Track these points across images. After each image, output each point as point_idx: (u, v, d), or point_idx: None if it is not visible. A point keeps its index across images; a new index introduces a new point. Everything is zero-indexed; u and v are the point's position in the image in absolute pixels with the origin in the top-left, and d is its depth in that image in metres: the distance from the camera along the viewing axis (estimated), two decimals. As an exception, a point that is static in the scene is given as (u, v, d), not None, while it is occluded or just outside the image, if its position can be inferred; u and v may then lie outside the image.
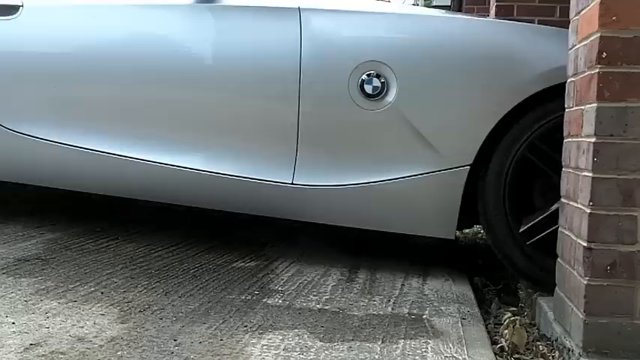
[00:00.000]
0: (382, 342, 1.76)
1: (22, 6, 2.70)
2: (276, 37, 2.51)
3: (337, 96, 2.44)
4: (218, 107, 2.57)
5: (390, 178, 2.42)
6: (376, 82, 2.40)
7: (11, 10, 2.70)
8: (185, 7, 2.64)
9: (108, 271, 2.24)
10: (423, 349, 1.73)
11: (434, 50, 2.44)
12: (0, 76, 2.71)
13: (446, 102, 2.40)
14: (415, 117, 2.40)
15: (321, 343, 1.73)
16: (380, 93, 2.40)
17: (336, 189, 2.46)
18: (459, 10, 5.21)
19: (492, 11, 4.06)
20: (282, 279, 2.32)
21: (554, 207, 2.14)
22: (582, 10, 1.76)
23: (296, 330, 1.81)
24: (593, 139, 1.62)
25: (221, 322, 1.83)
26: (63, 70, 2.67)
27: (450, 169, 2.38)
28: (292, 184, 2.48)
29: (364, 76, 2.41)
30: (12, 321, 1.72)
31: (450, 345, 1.77)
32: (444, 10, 3.26)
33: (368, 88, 2.40)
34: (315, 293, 2.17)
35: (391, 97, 2.40)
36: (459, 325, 1.95)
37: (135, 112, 2.62)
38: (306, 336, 1.77)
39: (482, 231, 2.99)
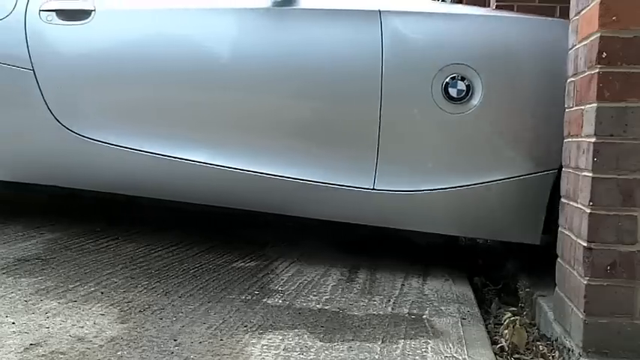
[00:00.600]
0: (382, 342, 1.76)
1: (95, 10, 2.66)
2: (357, 40, 2.46)
3: (420, 100, 2.39)
4: (295, 112, 2.52)
5: (474, 182, 2.38)
6: (461, 85, 2.36)
7: (84, 15, 2.65)
8: (263, 11, 2.56)
9: (108, 271, 2.24)
10: (423, 349, 1.73)
11: (519, 51, 2.40)
12: (72, 80, 2.65)
13: (532, 105, 2.36)
14: (501, 120, 2.37)
15: (321, 343, 1.73)
16: (465, 96, 2.36)
17: (418, 194, 2.42)
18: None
19: (492, 11, 4.05)
20: (282, 279, 2.32)
21: None
22: (582, 10, 1.76)
23: (296, 330, 1.81)
24: (593, 139, 1.62)
25: (221, 322, 1.83)
26: (134, 74, 2.60)
27: (536, 173, 2.34)
28: (373, 189, 2.45)
29: (448, 79, 2.37)
30: (12, 321, 1.72)
31: (450, 345, 1.77)
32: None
33: (452, 92, 2.37)
34: (315, 293, 2.17)
35: (476, 100, 2.36)
36: (459, 325, 1.95)
37: (214, 118, 2.54)
38: (306, 336, 1.77)
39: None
